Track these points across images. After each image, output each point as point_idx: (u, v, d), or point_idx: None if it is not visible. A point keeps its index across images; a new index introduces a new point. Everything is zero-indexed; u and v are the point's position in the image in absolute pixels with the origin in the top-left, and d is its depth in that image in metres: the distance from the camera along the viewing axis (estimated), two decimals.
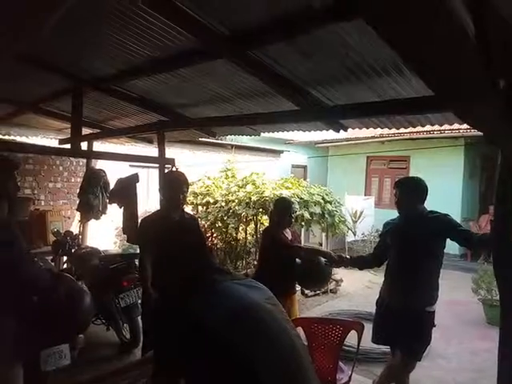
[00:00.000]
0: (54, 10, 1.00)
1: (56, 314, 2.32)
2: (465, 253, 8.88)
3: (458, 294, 5.83)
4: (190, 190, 6.65)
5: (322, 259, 3.03)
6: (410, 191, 2.77)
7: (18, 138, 5.78)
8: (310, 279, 3.20)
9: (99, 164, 5.85)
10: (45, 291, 2.22)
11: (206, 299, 1.16)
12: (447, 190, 8.64)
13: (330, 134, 4.12)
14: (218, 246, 7.21)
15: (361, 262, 3.24)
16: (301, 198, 5.92)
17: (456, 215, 8.16)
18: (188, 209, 7.32)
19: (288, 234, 3.26)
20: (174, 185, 2.91)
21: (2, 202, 2.08)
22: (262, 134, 4.17)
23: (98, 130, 4.92)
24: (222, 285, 1.23)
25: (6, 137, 5.62)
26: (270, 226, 3.45)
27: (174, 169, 4.05)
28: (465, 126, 5.53)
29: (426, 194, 2.75)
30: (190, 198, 6.77)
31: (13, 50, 1.18)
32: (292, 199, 5.75)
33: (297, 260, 3.09)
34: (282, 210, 3.24)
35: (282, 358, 1.12)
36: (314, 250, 3.36)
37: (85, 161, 6.01)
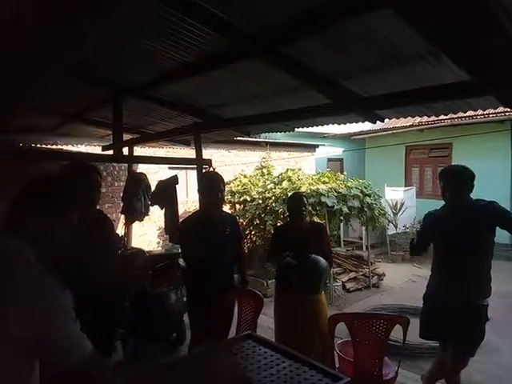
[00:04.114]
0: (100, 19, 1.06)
1: None
2: None
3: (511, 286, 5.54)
4: (227, 188, 6.71)
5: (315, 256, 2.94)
6: (456, 180, 2.64)
7: (65, 147, 6.11)
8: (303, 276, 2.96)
9: (140, 168, 6.08)
10: None
11: None
12: (494, 176, 8.20)
13: (366, 126, 4.06)
14: (257, 243, 7.27)
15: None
16: (338, 192, 5.86)
17: (505, 203, 7.71)
18: (226, 207, 7.44)
19: (303, 229, 3.24)
20: (210, 184, 2.98)
21: (91, 206, 2.35)
22: (297, 129, 4.16)
23: (138, 135, 5.11)
24: None
25: (54, 146, 5.96)
26: (279, 225, 3.55)
27: (210, 169, 4.13)
28: None
29: (473, 183, 2.63)
30: (227, 197, 6.88)
31: (64, 63, 1.27)
32: (329, 194, 5.72)
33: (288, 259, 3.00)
34: (288, 205, 3.39)
35: None
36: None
37: (126, 165, 6.25)
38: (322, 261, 2.94)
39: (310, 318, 3.07)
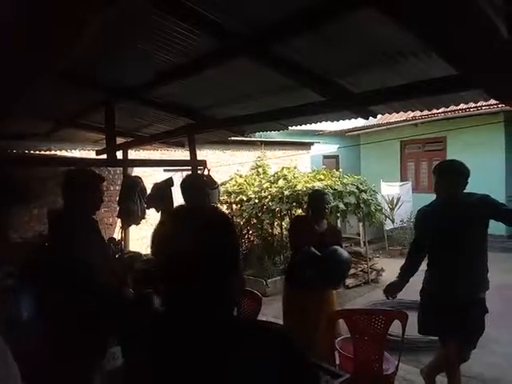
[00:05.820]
0: (88, 22, 1.05)
1: None
2: None
3: (509, 277, 5.56)
4: (222, 189, 6.63)
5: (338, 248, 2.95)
6: (452, 177, 2.63)
7: (59, 152, 6.09)
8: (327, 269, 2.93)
9: (135, 171, 6.05)
10: None
11: None
12: (489, 168, 8.25)
13: (360, 122, 4.06)
14: (255, 243, 7.27)
15: (413, 269, 2.97)
16: (334, 189, 5.87)
17: (500, 194, 7.78)
18: (223, 208, 7.43)
19: (321, 227, 3.25)
20: (195, 191, 2.89)
21: (92, 210, 2.33)
22: (291, 128, 4.16)
23: (132, 139, 5.08)
24: None
25: (48, 152, 5.93)
26: (299, 215, 3.50)
27: (205, 171, 4.12)
28: None
29: (467, 180, 2.61)
30: (223, 197, 6.87)
31: (55, 68, 1.26)
32: (325, 191, 5.73)
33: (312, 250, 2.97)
34: (311, 201, 3.37)
35: None
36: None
37: (121, 169, 6.22)
38: (346, 253, 2.95)
39: (322, 316, 3.05)
